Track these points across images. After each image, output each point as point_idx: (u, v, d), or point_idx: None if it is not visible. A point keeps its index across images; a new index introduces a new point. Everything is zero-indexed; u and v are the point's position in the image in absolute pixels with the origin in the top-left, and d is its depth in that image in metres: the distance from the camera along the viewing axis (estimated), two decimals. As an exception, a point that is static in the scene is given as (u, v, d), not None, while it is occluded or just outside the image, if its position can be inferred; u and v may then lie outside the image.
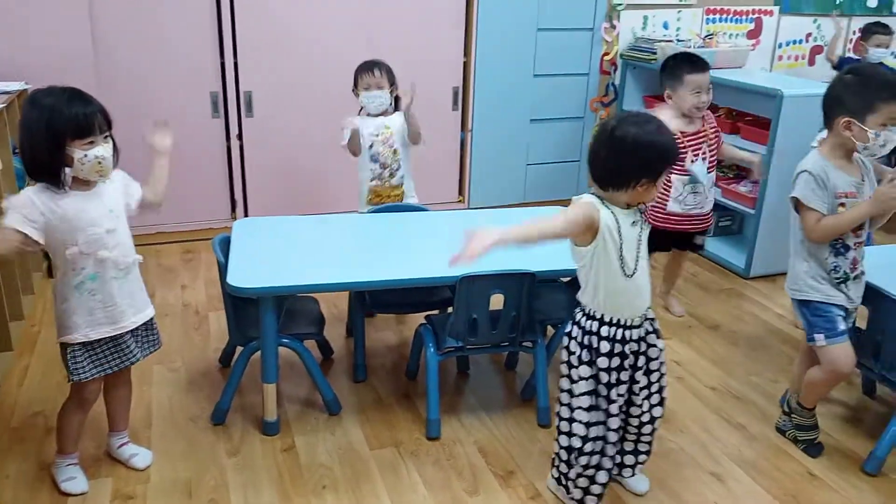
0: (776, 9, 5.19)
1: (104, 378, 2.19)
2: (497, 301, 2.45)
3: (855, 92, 2.13)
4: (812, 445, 2.50)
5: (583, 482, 2.12)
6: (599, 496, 2.15)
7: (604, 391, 2.03)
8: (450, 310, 2.55)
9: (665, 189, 3.15)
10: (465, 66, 4.58)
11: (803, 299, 2.33)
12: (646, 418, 2.12)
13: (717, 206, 4.28)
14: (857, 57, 4.84)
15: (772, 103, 3.69)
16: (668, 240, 3.32)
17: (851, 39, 5.34)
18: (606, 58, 4.87)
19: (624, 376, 2.02)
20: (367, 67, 3.18)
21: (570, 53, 4.79)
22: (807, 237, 2.25)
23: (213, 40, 4.01)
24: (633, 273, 1.95)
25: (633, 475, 2.27)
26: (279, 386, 2.73)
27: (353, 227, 2.94)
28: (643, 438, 2.20)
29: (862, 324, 2.53)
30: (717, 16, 5.03)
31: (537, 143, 4.79)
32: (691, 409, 2.78)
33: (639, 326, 2.02)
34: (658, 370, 2.10)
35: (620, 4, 4.78)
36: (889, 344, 2.36)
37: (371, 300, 2.86)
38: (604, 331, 1.99)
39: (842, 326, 2.29)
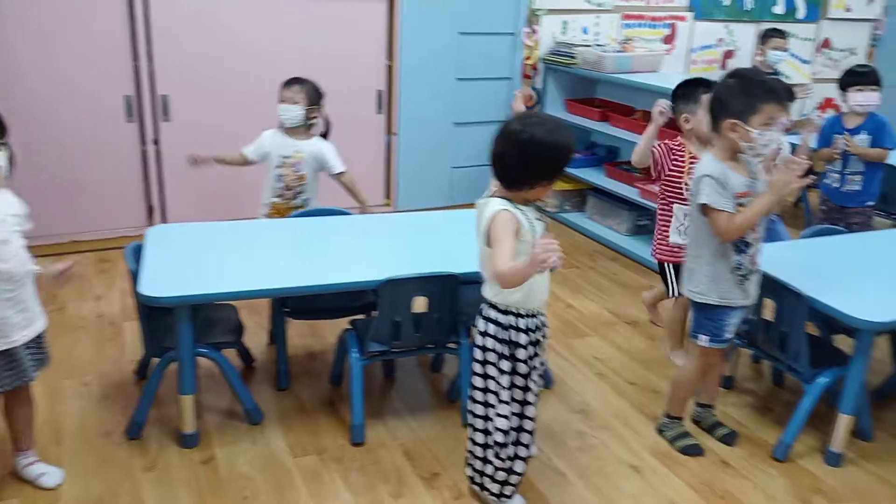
0: (690, 14, 5.38)
1: (2, 396, 2.09)
2: (421, 303, 2.45)
3: (737, 95, 2.20)
4: (691, 446, 2.55)
5: (501, 475, 2.15)
6: (516, 485, 2.19)
7: (521, 382, 2.07)
8: (374, 314, 2.54)
9: (665, 220, 3.02)
10: (389, 69, 4.58)
11: (704, 303, 2.37)
12: (533, 411, 2.20)
13: (635, 206, 4.43)
14: (760, 67, 5.04)
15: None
16: (675, 275, 3.00)
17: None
18: (528, 62, 4.94)
19: (537, 363, 2.09)
20: (288, 82, 3.20)
21: (492, 58, 4.85)
22: (721, 238, 2.29)
23: (125, 42, 3.89)
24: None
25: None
26: (198, 397, 2.66)
27: (274, 233, 2.89)
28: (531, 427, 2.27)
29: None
30: (634, 21, 5.18)
31: (462, 145, 4.82)
32: (612, 404, 2.84)
33: (543, 314, 2.12)
34: (543, 352, 2.20)
35: (540, 10, 4.86)
36: (794, 335, 2.47)
37: (292, 306, 2.82)
38: (521, 323, 2.04)
39: (727, 335, 2.40)
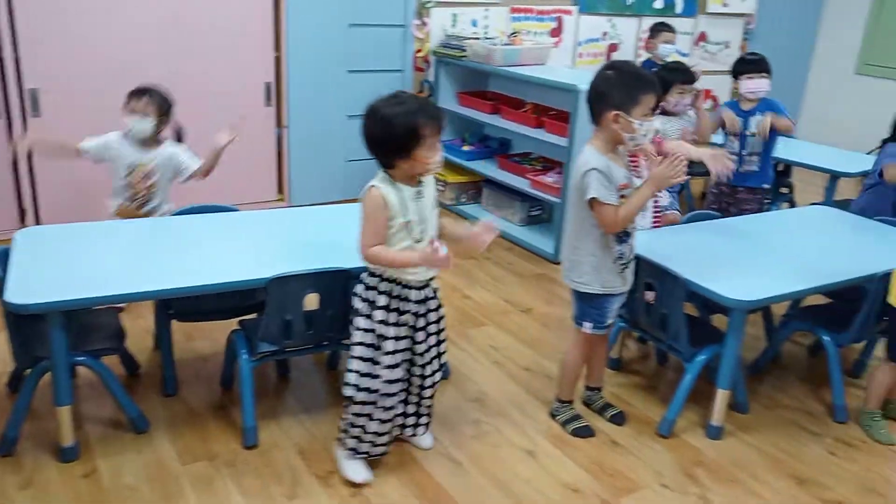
0: (575, 9, 5.52)
1: None
2: (313, 300, 2.41)
3: (618, 86, 2.27)
4: (582, 428, 2.64)
5: (354, 431, 2.25)
6: (370, 446, 2.28)
7: (378, 342, 2.17)
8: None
9: None
10: (277, 60, 4.47)
11: (586, 292, 2.45)
12: (428, 382, 2.32)
13: (528, 197, 4.53)
14: (653, 60, 5.26)
15: (570, 98, 3.94)
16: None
17: (642, 39, 5.80)
18: (419, 55, 4.95)
19: (403, 332, 2.18)
20: (137, 93, 3.12)
21: (383, 50, 4.82)
22: (607, 230, 2.35)
23: (-15, 31, 3.62)
24: (420, 241, 2.11)
25: (414, 434, 2.46)
26: (79, 407, 2.53)
27: (155, 232, 2.76)
28: (424, 402, 2.39)
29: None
30: (522, 14, 5.27)
31: (356, 138, 4.61)
32: (507, 391, 2.90)
33: (419, 289, 2.18)
34: (437, 334, 2.28)
35: (429, 2, 4.87)
36: (673, 317, 2.59)
37: (177, 309, 2.71)
38: (383, 286, 2.15)
39: (609, 320, 2.51)
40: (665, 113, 3.53)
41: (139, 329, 3.11)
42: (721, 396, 2.60)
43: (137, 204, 3.18)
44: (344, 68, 4.69)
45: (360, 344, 2.18)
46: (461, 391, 2.88)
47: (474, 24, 5.09)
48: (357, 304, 2.19)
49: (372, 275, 2.17)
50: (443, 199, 5.03)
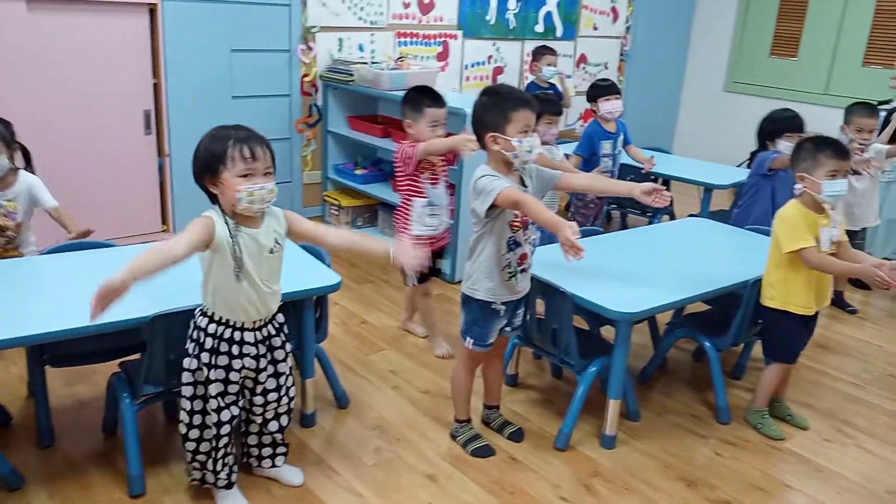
0: (460, 33, 5.64)
1: None
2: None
3: (491, 109, 2.35)
4: (481, 448, 2.65)
5: (196, 464, 2.25)
6: (214, 475, 2.25)
7: (201, 390, 2.15)
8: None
9: (406, 214, 3.27)
10: (156, 87, 4.31)
11: (472, 297, 2.47)
12: (273, 426, 2.31)
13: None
14: (537, 83, 5.43)
15: (458, 121, 3.99)
16: (426, 274, 3.30)
17: (526, 61, 5.98)
18: (306, 79, 4.90)
19: (234, 377, 2.14)
20: None
21: (268, 75, 4.75)
22: (505, 204, 2.32)
23: None
24: (254, 283, 2.08)
25: (273, 466, 2.41)
26: (-61, 469, 2.31)
27: (23, 273, 2.58)
28: (274, 436, 2.36)
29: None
30: (408, 39, 5.33)
31: None
32: (408, 416, 2.88)
33: (256, 330, 2.15)
34: (278, 376, 2.25)
35: (315, 27, 4.84)
36: (563, 331, 2.66)
37: (51, 353, 2.54)
38: (211, 328, 2.11)
39: (491, 339, 2.53)
40: None
41: (11, 377, 2.90)
42: (613, 406, 2.68)
43: (3, 243, 2.96)
44: (228, 94, 4.58)
45: (188, 384, 2.15)
46: (361, 420, 2.84)
47: (361, 48, 5.10)
48: (187, 343, 2.16)
49: (203, 314, 2.13)
50: (338, 223, 4.99)
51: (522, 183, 2.44)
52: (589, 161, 4.27)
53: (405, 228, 3.27)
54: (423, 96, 3.25)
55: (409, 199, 3.26)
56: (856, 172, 3.84)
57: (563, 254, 2.21)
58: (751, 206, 3.88)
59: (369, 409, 2.91)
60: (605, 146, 4.22)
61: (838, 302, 4.18)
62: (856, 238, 3.95)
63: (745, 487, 2.56)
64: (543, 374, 3.26)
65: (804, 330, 2.80)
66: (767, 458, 2.73)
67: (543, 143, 3.65)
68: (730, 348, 3.05)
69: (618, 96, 4.18)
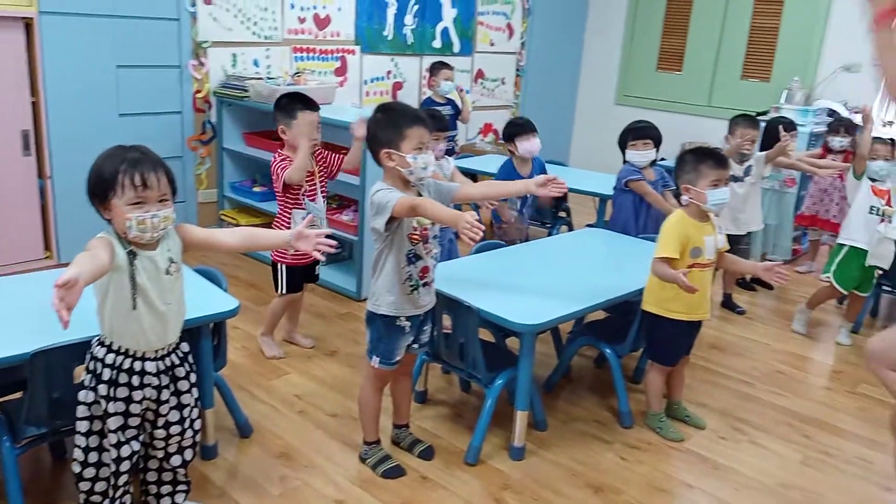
0: (358, 48, 5.61)
1: None
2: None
3: (385, 125, 2.35)
4: (391, 469, 2.61)
5: (83, 499, 2.12)
6: None
7: (98, 425, 2.04)
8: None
9: (287, 224, 3.27)
10: (35, 106, 4.06)
11: (376, 314, 2.45)
12: (176, 461, 2.19)
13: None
14: (434, 98, 5.46)
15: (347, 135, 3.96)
16: (303, 277, 3.40)
17: (425, 77, 6.02)
18: (199, 95, 4.75)
19: (135, 409, 2.04)
20: None
21: (158, 91, 4.57)
22: (403, 213, 2.29)
23: None
24: (154, 307, 1.99)
25: None
26: None
27: None
28: (176, 472, 2.24)
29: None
30: (305, 54, 5.26)
31: None
32: (315, 441, 2.80)
33: (158, 359, 2.06)
34: (181, 408, 2.14)
35: (206, 42, 4.70)
36: (470, 345, 2.67)
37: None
38: (109, 358, 2.00)
39: (397, 357, 2.50)
40: None
41: None
42: (520, 417, 2.70)
43: None
44: (114, 111, 4.38)
45: (84, 419, 2.04)
46: (265, 448, 2.74)
47: (256, 63, 4.99)
48: (83, 375, 2.05)
49: (101, 344, 2.03)
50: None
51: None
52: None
53: None
54: (295, 101, 3.26)
55: (287, 211, 3.29)
56: (736, 179, 4.06)
57: (464, 237, 2.16)
58: (616, 219, 4.03)
59: (274, 436, 2.82)
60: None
61: (727, 304, 4.40)
62: (741, 243, 4.18)
63: (649, 489, 2.63)
64: (452, 389, 3.26)
65: (682, 334, 2.88)
66: (668, 460, 2.83)
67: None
68: (629, 353, 3.15)
69: (535, 134, 4.08)
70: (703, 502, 2.60)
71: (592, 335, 3.22)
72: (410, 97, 6.05)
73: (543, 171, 4.19)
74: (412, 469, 2.65)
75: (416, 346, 2.56)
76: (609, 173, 5.59)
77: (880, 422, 3.18)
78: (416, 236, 2.39)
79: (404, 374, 2.68)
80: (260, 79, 4.68)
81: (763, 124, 4.46)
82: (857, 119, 5.63)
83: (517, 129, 4.10)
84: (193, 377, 2.18)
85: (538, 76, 7.21)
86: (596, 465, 2.75)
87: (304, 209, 3.25)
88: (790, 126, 4.40)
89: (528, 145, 4.04)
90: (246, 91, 4.60)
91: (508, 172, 4.13)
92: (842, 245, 3.90)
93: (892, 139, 4.18)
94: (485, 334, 3.00)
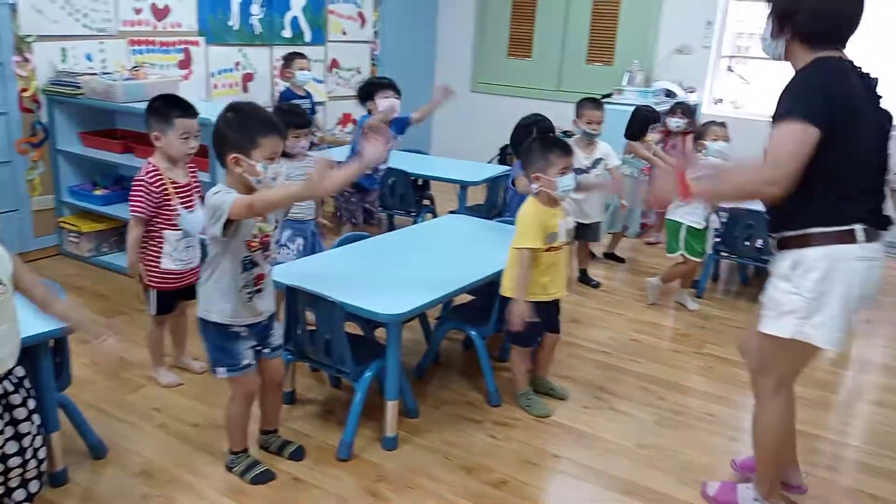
0: (202, 39, 5.35)
1: None
2: None
3: (237, 129, 2.22)
4: (261, 474, 2.53)
5: None
6: None
7: None
8: None
9: (157, 246, 2.96)
10: None
11: (207, 321, 2.35)
12: (19, 495, 2.00)
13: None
14: (292, 89, 5.31)
15: (206, 131, 3.77)
16: (178, 296, 3.11)
17: (276, 67, 5.85)
18: (25, 94, 4.36)
19: None
20: None
21: (-25, 91, 4.15)
22: (249, 211, 2.20)
23: None
24: None
25: None
26: None
27: None
28: None
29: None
30: (144, 47, 4.95)
31: None
32: (177, 454, 2.67)
33: None
34: (29, 434, 1.97)
35: (29, 36, 4.31)
36: (336, 341, 2.62)
37: None
38: None
39: (245, 361, 2.41)
40: (285, 155, 3.54)
41: None
42: (391, 407, 2.70)
43: None
44: (-76, 115, 3.93)
45: None
46: (122, 468, 2.57)
47: (89, 58, 4.64)
48: None
49: None
50: (79, 251, 4.51)
51: None
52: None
53: (153, 262, 2.98)
54: (171, 106, 2.95)
55: (157, 233, 2.96)
56: (580, 171, 4.23)
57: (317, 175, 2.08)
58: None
59: (131, 454, 2.66)
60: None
61: (583, 279, 4.60)
62: (588, 231, 4.40)
63: (519, 464, 2.71)
64: (322, 386, 3.20)
65: (539, 315, 2.93)
66: (537, 433, 2.92)
67: (292, 155, 3.55)
68: (494, 334, 3.22)
69: (396, 93, 4.09)
70: (570, 470, 2.71)
71: (458, 319, 3.27)
72: (262, 89, 5.86)
73: (402, 130, 4.26)
74: (283, 472, 2.58)
75: (267, 350, 2.49)
76: (469, 160, 5.72)
77: (724, 378, 3.45)
78: (254, 244, 2.31)
79: (273, 385, 2.59)
80: (94, 74, 4.36)
81: (625, 109, 4.72)
82: (693, 98, 6.06)
83: (375, 86, 4.09)
84: (32, 403, 1.99)
85: (394, 65, 7.18)
86: (468, 447, 2.80)
87: (177, 230, 2.96)
88: (655, 120, 4.69)
89: (390, 101, 4.03)
90: (79, 88, 4.27)
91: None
92: (678, 223, 4.14)
93: (723, 122, 4.51)
94: (353, 327, 2.97)
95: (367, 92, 4.18)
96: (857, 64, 2.12)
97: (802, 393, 3.35)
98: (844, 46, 2.12)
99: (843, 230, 2.06)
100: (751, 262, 4.59)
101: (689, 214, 4.10)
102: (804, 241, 2.09)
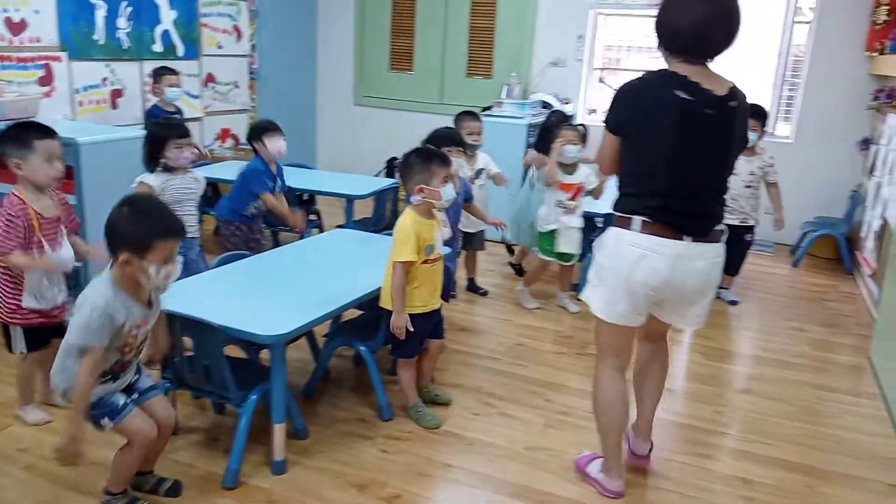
0: (64, 54, 5.06)
1: None
2: None
3: (134, 228, 2.12)
4: None
5: None
6: None
7: None
8: None
9: (17, 282, 2.74)
10: None
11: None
12: None
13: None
14: (161, 106, 5.10)
15: (72, 152, 3.59)
16: (51, 332, 2.84)
17: (147, 83, 5.61)
18: None
19: None
20: None
21: None
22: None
23: None
24: None
25: None
26: None
27: None
28: None
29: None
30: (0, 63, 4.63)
31: None
32: (47, 497, 2.50)
33: None
34: None
35: None
36: (216, 366, 2.53)
37: None
38: None
39: (121, 402, 2.29)
40: (168, 169, 3.43)
41: None
42: (278, 430, 2.64)
43: None
44: None
45: None
46: (-16, 516, 2.39)
47: (-66, 75, 4.30)
48: None
49: None
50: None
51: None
52: (245, 199, 4.10)
53: (13, 299, 2.76)
54: (27, 130, 2.75)
55: (17, 273, 2.74)
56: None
57: None
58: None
59: (-5, 500, 2.47)
60: (270, 185, 4.13)
61: (472, 287, 4.68)
62: (474, 239, 4.50)
63: (412, 477, 2.71)
64: (206, 413, 3.09)
65: (419, 326, 2.95)
66: (428, 444, 2.94)
67: (175, 168, 3.43)
68: (382, 348, 3.21)
69: (284, 136, 4.13)
70: (462, 479, 2.74)
71: (346, 335, 3.24)
72: (133, 105, 5.61)
73: (282, 173, 4.25)
74: (166, 506, 2.47)
75: (136, 395, 2.37)
76: (357, 173, 5.69)
77: (606, 376, 3.59)
78: (126, 349, 2.25)
79: (164, 429, 2.43)
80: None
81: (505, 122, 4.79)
82: (568, 109, 6.30)
83: (267, 127, 4.11)
84: None
85: (274, 79, 7.08)
86: (359, 463, 2.77)
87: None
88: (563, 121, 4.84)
89: (279, 144, 4.09)
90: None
91: (262, 172, 4.11)
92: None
93: (581, 124, 4.69)
94: (236, 351, 2.89)
95: (257, 134, 4.12)
96: (695, 80, 2.22)
97: (675, 386, 3.56)
98: (703, 60, 2.26)
99: (624, 216, 2.36)
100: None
101: (540, 218, 4.28)
102: (611, 221, 2.42)
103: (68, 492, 2.52)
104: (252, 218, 4.16)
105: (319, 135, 7.97)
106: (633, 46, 6.89)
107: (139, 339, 2.29)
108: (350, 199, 4.84)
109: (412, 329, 2.87)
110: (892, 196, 4.53)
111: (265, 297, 2.82)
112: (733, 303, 4.71)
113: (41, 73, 4.92)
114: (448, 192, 2.89)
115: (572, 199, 4.21)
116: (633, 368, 2.73)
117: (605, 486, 2.65)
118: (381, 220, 4.96)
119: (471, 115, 4.45)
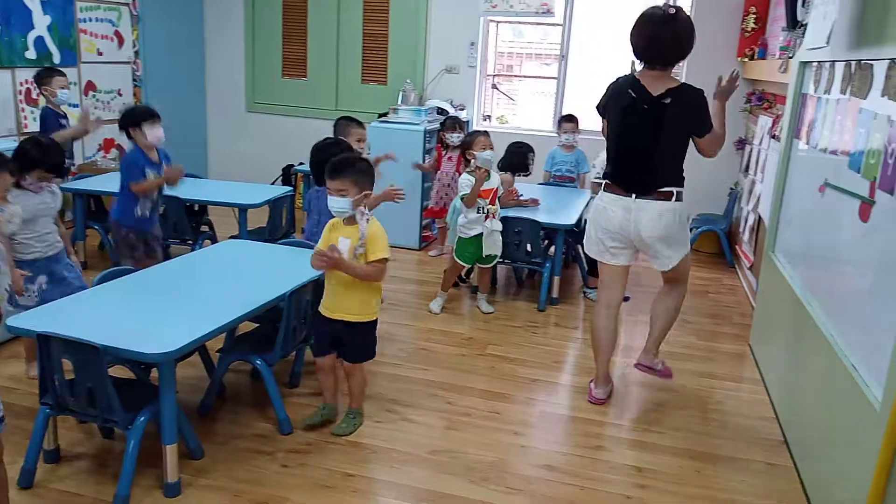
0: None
1: None
2: None
3: None
4: None
5: None
6: None
7: None
8: None
9: None
10: None
11: None
12: None
13: None
14: (53, 109, 4.80)
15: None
16: None
17: (21, 91, 5.28)
18: None
19: None
20: None
21: None
22: None
23: None
24: None
25: None
26: None
27: None
28: None
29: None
30: None
31: None
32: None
33: None
34: None
35: None
36: (99, 389, 2.41)
37: None
38: None
39: None
40: (19, 187, 3.19)
41: None
42: (170, 452, 2.54)
43: None
44: None
45: None
46: None
47: None
48: None
49: None
50: None
51: None
52: (130, 194, 3.91)
53: None
54: None
55: None
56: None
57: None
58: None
59: None
60: (151, 175, 3.92)
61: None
62: None
63: (313, 489, 2.67)
64: (93, 438, 2.93)
65: (322, 329, 3.02)
66: (330, 455, 2.90)
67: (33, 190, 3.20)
68: (280, 360, 3.14)
69: (160, 123, 3.93)
70: (365, 488, 2.72)
71: (241, 349, 3.15)
72: (6, 116, 5.27)
73: (168, 159, 4.06)
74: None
75: None
76: (251, 181, 5.55)
77: (504, 376, 3.66)
78: None
79: None
80: None
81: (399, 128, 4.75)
82: (463, 115, 6.38)
83: (146, 115, 3.92)
84: None
85: (160, 87, 6.81)
86: (259, 480, 2.70)
87: None
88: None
89: (159, 133, 3.93)
90: None
91: (138, 160, 3.92)
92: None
93: (486, 131, 4.77)
94: (124, 371, 2.77)
95: (133, 122, 3.90)
96: (644, 82, 3.04)
97: (566, 381, 3.66)
98: (663, 66, 3.04)
99: (600, 182, 3.30)
100: (524, 266, 4.93)
101: (461, 226, 4.35)
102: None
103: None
104: (146, 221, 3.97)
105: (211, 143, 7.73)
106: (523, 53, 7.07)
107: None
108: (243, 209, 4.72)
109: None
110: (765, 192, 4.84)
111: (153, 312, 2.71)
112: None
113: None
114: (333, 204, 2.84)
115: (490, 203, 4.33)
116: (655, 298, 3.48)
117: (590, 393, 3.43)
118: (277, 230, 4.86)
119: (354, 121, 4.26)
